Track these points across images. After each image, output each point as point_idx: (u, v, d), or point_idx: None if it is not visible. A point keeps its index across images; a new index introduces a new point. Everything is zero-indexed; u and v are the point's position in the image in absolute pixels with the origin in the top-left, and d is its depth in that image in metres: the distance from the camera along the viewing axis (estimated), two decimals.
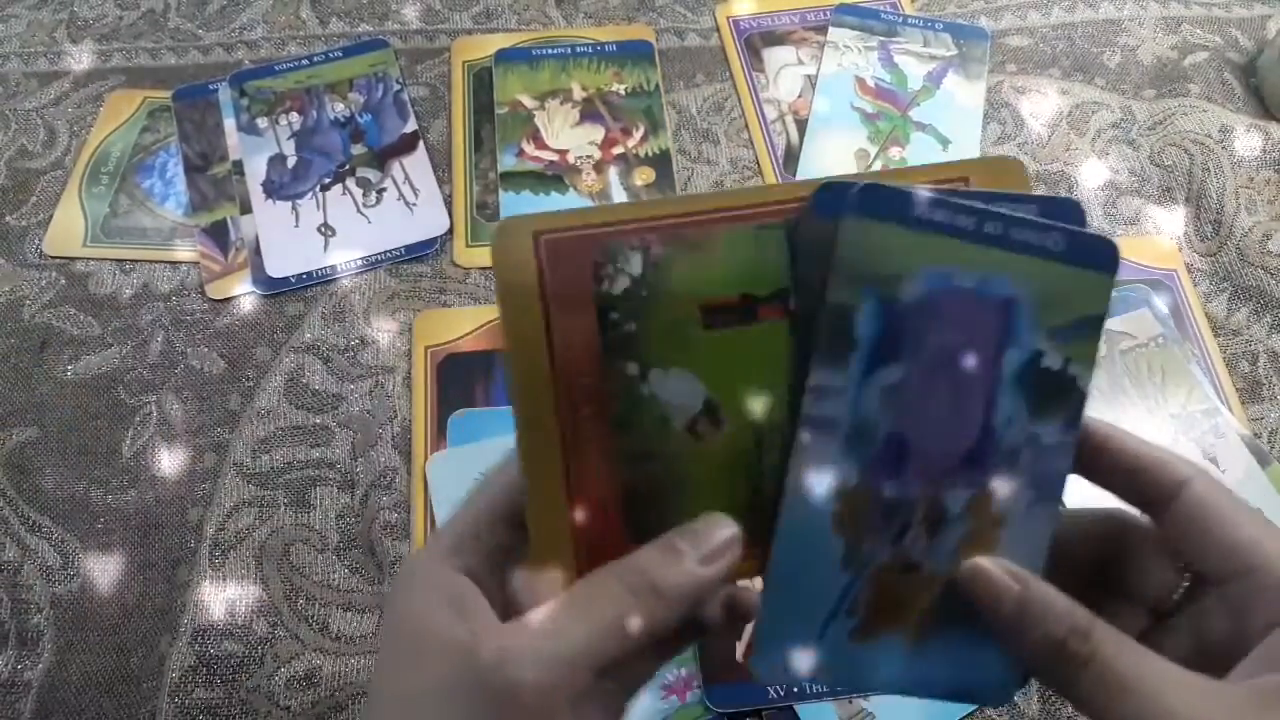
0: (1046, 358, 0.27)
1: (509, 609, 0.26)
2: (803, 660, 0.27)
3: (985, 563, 0.26)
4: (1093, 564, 0.28)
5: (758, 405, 0.27)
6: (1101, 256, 0.27)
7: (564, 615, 0.25)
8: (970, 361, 0.27)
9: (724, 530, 0.26)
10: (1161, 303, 0.56)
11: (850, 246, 0.26)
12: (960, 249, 0.26)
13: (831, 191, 0.27)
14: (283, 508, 0.51)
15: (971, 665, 0.27)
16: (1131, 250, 0.59)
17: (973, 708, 0.44)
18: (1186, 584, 0.27)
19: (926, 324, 0.26)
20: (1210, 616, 0.26)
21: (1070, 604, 0.25)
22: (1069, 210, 0.27)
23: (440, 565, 0.26)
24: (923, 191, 0.26)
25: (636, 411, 0.26)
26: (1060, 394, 0.27)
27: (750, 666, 0.27)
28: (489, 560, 0.27)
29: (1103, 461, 0.27)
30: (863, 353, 0.26)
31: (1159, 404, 0.52)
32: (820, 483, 0.26)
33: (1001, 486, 0.27)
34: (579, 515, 0.27)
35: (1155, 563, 0.27)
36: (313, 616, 0.48)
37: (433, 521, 0.50)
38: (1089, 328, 0.27)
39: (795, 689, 0.44)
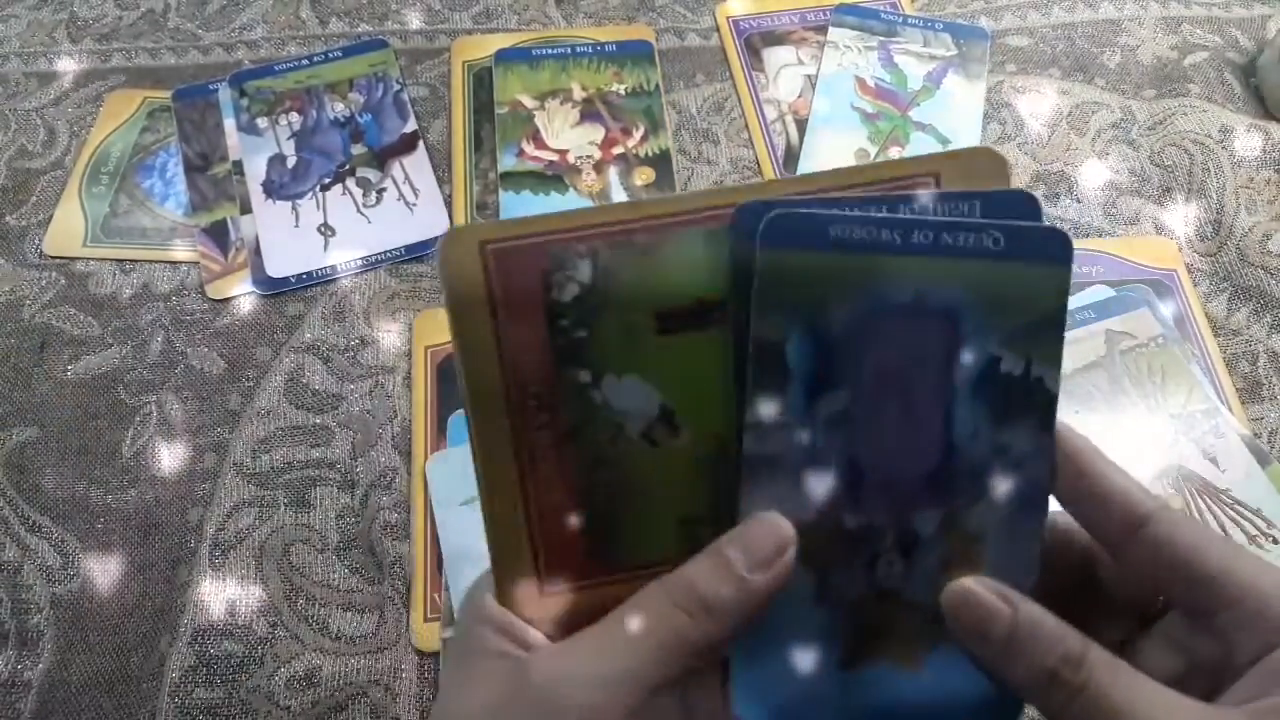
0: (1005, 362, 0.25)
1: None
2: (789, 701, 0.26)
3: (972, 584, 0.24)
4: (1075, 570, 0.27)
5: (716, 411, 0.26)
6: (1050, 248, 0.25)
7: (613, 636, 0.24)
8: (919, 378, 0.25)
9: (775, 534, 0.25)
10: (1162, 303, 0.56)
11: (768, 279, 0.25)
12: (889, 264, 0.25)
13: (751, 213, 0.25)
14: (283, 508, 0.51)
15: (972, 685, 0.26)
16: (1131, 250, 0.59)
17: None
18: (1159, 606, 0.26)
19: (865, 346, 0.25)
20: (1196, 636, 0.25)
21: (1062, 628, 0.23)
22: (1019, 204, 0.25)
23: (490, 596, 0.27)
24: (839, 212, 0.25)
25: (590, 419, 0.26)
26: (1026, 399, 0.25)
27: (734, 709, 0.26)
28: None
29: (1065, 479, 0.26)
30: (799, 384, 0.25)
31: (1159, 404, 0.52)
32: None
33: (973, 502, 0.25)
34: (536, 524, 0.26)
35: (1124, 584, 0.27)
36: (313, 616, 0.48)
37: (433, 521, 0.50)
38: (1049, 325, 0.25)
39: None
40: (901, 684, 0.26)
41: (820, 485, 0.25)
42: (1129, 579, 0.27)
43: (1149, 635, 0.26)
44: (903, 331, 0.25)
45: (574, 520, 0.26)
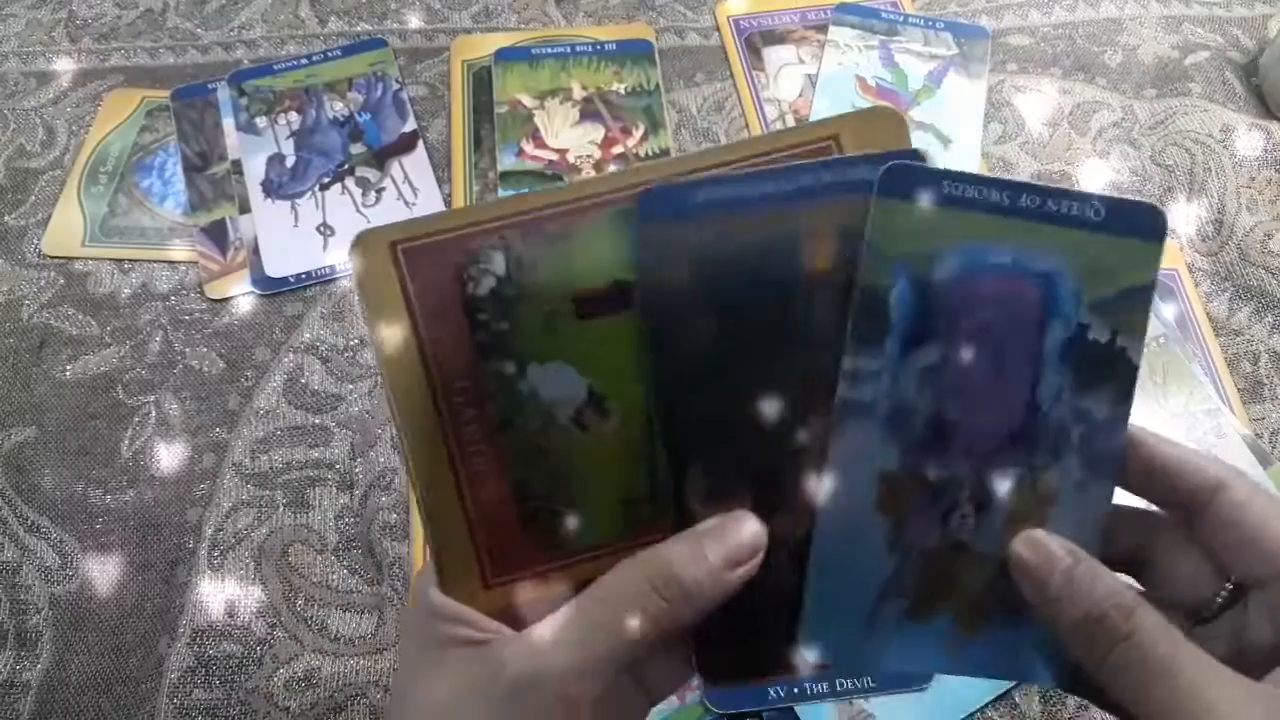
0: (1093, 330, 0.26)
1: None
2: (853, 641, 0.27)
3: (1041, 534, 0.25)
4: (1126, 564, 0.28)
5: (643, 391, 0.26)
6: (1146, 223, 0.26)
7: (589, 622, 0.25)
8: (1011, 337, 0.26)
9: (750, 536, 0.25)
10: (1163, 303, 0.56)
11: (880, 227, 0.26)
12: (995, 224, 0.26)
13: (655, 197, 0.26)
14: (281, 508, 0.51)
15: (1025, 645, 0.26)
16: None
17: (974, 709, 0.44)
18: (1228, 588, 0.26)
19: (963, 302, 0.26)
20: (1250, 620, 0.25)
21: (1118, 583, 0.24)
22: (912, 159, 0.26)
23: (435, 589, 0.27)
24: (953, 169, 0.26)
25: (518, 410, 0.26)
26: (1109, 367, 0.26)
27: (802, 652, 0.26)
28: None
29: (1135, 465, 0.26)
30: (898, 333, 0.26)
31: (1160, 404, 0.52)
32: (861, 465, 0.26)
33: (1050, 464, 0.26)
34: (475, 520, 0.26)
35: (1193, 565, 0.27)
36: (312, 617, 0.48)
37: None
38: (1137, 298, 0.26)
39: (796, 690, 0.44)
40: (957, 637, 0.26)
41: (907, 434, 0.26)
42: (1180, 574, 0.27)
43: (1198, 631, 0.26)
44: (1001, 290, 0.26)
45: (513, 511, 0.27)
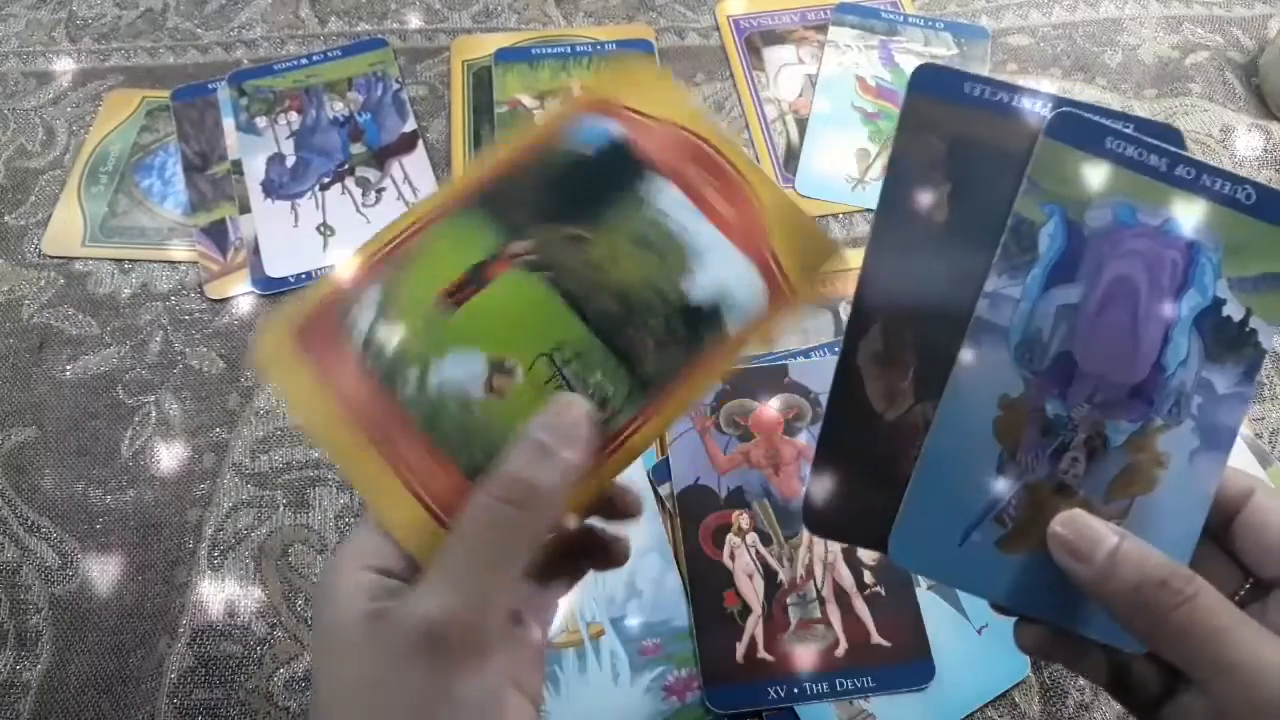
0: (1228, 306, 0.27)
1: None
2: (942, 559, 0.27)
3: (1081, 514, 0.26)
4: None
5: (532, 335, 0.29)
6: None
7: (460, 554, 0.25)
8: (1149, 295, 0.27)
9: (573, 409, 0.26)
10: None
11: (1043, 165, 0.27)
12: (1150, 187, 0.27)
13: (928, 74, 0.28)
14: (281, 508, 0.51)
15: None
16: None
17: (974, 708, 0.44)
18: (1247, 587, 0.27)
19: (1109, 251, 0.27)
20: (1270, 614, 0.26)
21: (1167, 558, 0.25)
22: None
23: (351, 565, 0.27)
24: (1118, 126, 0.27)
25: (439, 409, 0.28)
26: (1238, 345, 0.27)
27: (890, 552, 0.27)
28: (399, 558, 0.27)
29: None
30: (1042, 266, 0.27)
31: None
32: (985, 386, 0.27)
33: (1167, 426, 0.27)
34: (427, 498, 0.28)
35: (1214, 567, 0.27)
36: (311, 617, 0.48)
37: None
38: (1275, 283, 0.27)
39: (796, 690, 0.44)
40: (1044, 577, 0.27)
41: (1034, 366, 0.27)
42: (1212, 570, 0.28)
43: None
44: (1146, 249, 0.27)
45: (459, 478, 0.28)
